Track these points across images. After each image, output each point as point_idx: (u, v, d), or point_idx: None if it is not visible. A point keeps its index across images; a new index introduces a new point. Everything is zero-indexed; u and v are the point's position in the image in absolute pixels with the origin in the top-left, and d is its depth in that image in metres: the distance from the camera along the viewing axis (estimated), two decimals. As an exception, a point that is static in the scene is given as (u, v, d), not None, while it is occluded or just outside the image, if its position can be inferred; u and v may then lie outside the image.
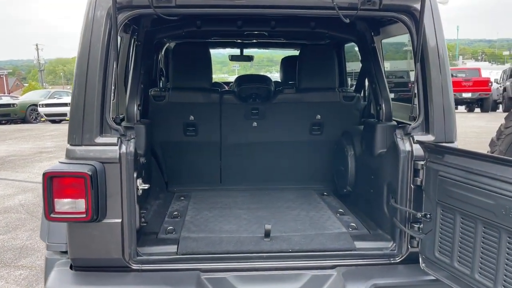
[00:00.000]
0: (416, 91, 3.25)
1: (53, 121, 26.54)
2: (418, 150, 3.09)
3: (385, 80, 3.92)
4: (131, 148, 3.00)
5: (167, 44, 6.03)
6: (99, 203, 2.87)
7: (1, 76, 67.19)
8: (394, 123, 3.75)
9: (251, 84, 4.84)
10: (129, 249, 2.99)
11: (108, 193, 2.94)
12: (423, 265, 3.03)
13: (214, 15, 3.63)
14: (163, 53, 6.25)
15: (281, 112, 4.72)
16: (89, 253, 3.01)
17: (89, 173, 2.79)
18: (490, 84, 26.75)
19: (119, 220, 2.95)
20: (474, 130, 17.15)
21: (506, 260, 2.34)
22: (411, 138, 3.15)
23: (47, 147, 15.88)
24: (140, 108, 3.69)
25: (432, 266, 2.94)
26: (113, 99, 4.54)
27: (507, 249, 2.34)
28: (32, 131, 21.25)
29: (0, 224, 7.49)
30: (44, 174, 2.83)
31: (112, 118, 3.07)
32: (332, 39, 5.27)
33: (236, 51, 6.89)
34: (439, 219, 2.85)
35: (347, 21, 3.00)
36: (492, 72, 41.48)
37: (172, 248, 3.17)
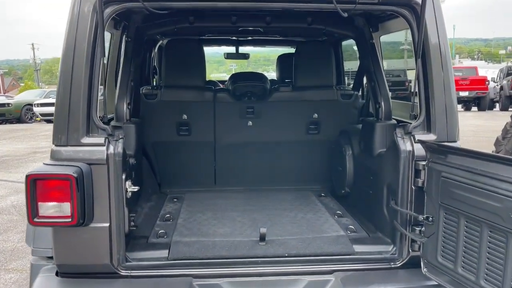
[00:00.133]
0: (417, 89, 3.12)
1: (48, 121, 26.28)
2: (419, 150, 2.97)
3: (384, 77, 3.79)
4: (119, 149, 2.87)
5: (161, 42, 5.89)
6: (85, 206, 2.74)
7: (-3, 76, 66.88)
8: (394, 121, 3.63)
9: (246, 82, 4.70)
10: (118, 255, 2.86)
11: (95, 196, 2.81)
12: (424, 269, 2.91)
13: (205, 8, 3.50)
14: (156, 50, 6.10)
15: (277, 111, 4.59)
16: (76, 259, 2.88)
17: (75, 175, 2.67)
18: (487, 82, 26.72)
19: (107, 224, 2.83)
20: (471, 129, 17.09)
21: (514, 266, 2.22)
22: (412, 137, 3.03)
23: (41, 147, 15.70)
24: (130, 106, 3.56)
25: (435, 271, 2.82)
26: (102, 98, 4.45)
27: (515, 255, 2.21)
28: (26, 131, 21.05)
29: (-9, 226, 7.34)
30: (27, 176, 2.69)
31: (100, 117, 2.94)
32: (329, 35, 5.13)
33: (231, 49, 6.75)
34: (442, 222, 2.73)
35: (345, 15, 2.87)
36: (488, 71, 41.53)
37: (163, 253, 3.04)
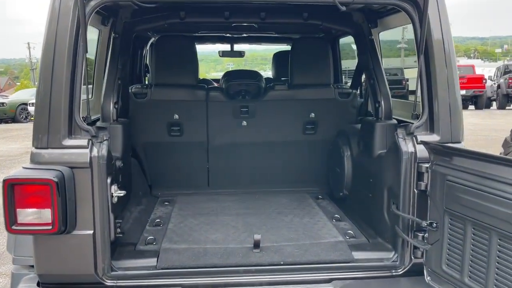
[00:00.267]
0: (419, 87, 2.96)
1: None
2: (422, 151, 2.82)
3: (384, 75, 3.63)
4: (104, 151, 2.70)
5: (153, 39, 5.70)
6: (67, 213, 2.59)
7: (-7, 75, 66.39)
8: (395, 121, 3.48)
9: (240, 80, 4.52)
10: (103, 264, 2.71)
11: (78, 201, 2.66)
12: (428, 278, 2.75)
13: (196, 2, 3.32)
14: (148, 48, 5.92)
15: (272, 110, 4.41)
16: (58, 268, 2.74)
17: (55, 179, 2.52)
18: (484, 81, 26.65)
19: (91, 232, 2.68)
20: (469, 128, 16.98)
21: (526, 278, 2.06)
22: (414, 138, 2.88)
23: (35, 147, 15.46)
24: (116, 106, 3.38)
25: (439, 280, 2.66)
26: (91, 97, 4.27)
27: (527, 265, 2.05)
28: (21, 130, 20.79)
29: (-21, 229, 7.14)
30: (4, 181, 2.54)
31: (83, 117, 2.78)
32: (327, 31, 4.97)
33: (226, 47, 6.57)
34: (447, 228, 2.57)
35: (343, 8, 2.71)
36: (484, 70, 41.51)
37: (151, 261, 2.88)
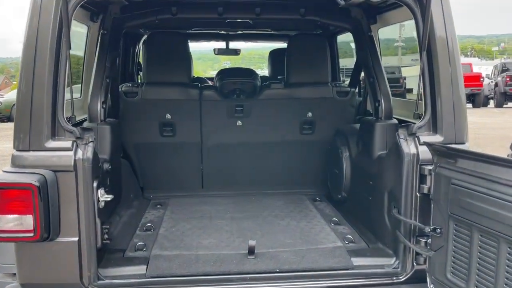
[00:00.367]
0: (422, 85, 2.83)
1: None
2: (424, 152, 2.70)
3: (384, 72, 3.49)
4: (89, 154, 2.57)
5: (145, 36, 5.54)
6: (50, 219, 2.48)
7: (-11, 74, 66.06)
8: (395, 121, 3.35)
9: (234, 79, 4.37)
10: (89, 272, 2.59)
11: (61, 207, 2.55)
12: (431, 286, 2.63)
13: None
14: (141, 45, 5.76)
15: (268, 110, 4.27)
16: (41, 277, 2.63)
17: (37, 184, 2.40)
18: (481, 79, 26.57)
19: (76, 239, 2.57)
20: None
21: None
22: (416, 139, 2.77)
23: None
24: (104, 105, 3.23)
25: (443, 289, 2.52)
26: (80, 96, 4.12)
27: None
28: (15, 130, 20.54)
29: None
30: None
31: (67, 118, 2.64)
32: (324, 28, 4.82)
33: (222, 45, 6.41)
34: (452, 235, 2.44)
35: (342, 3, 2.58)
36: (481, 68, 41.51)
37: (141, 269, 2.75)
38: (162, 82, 4.09)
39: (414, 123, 2.83)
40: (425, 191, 2.69)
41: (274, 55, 5.98)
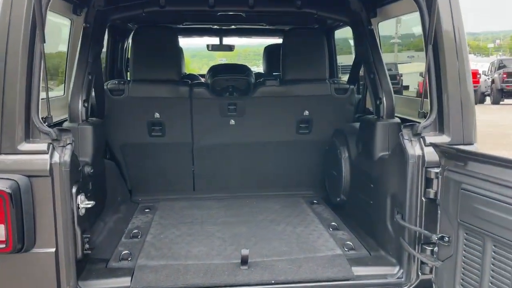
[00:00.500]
0: (427, 81, 2.63)
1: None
2: (430, 154, 2.52)
3: (386, 68, 3.30)
4: (66, 157, 2.36)
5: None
6: (24, 228, 2.30)
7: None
8: (398, 120, 3.16)
9: (227, 75, 4.15)
10: (67, 286, 2.42)
11: (37, 215, 2.36)
12: (438, 298, 2.43)
13: None
14: (130, 41, 5.53)
15: (262, 108, 4.06)
16: None
17: (9, 190, 2.22)
18: (478, 76, 26.46)
19: (53, 250, 2.39)
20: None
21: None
22: (421, 140, 2.58)
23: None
24: (86, 104, 3.02)
25: (451, 302, 2.33)
26: (63, 95, 3.90)
27: None
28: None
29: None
30: None
31: (43, 118, 2.44)
32: (322, 22, 4.62)
33: (215, 41, 6.19)
34: (462, 244, 2.25)
35: None
36: (477, 65, 41.48)
37: (125, 281, 2.57)
38: (150, 79, 3.87)
39: (419, 122, 2.64)
40: (431, 195, 2.52)
41: (269, 51, 5.76)
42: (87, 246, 2.59)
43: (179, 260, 2.77)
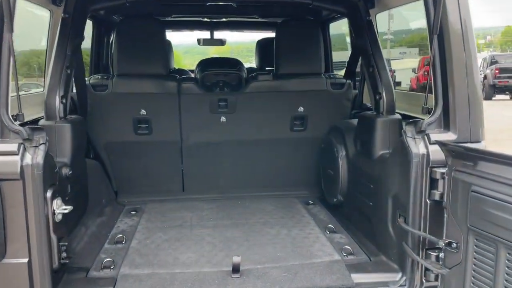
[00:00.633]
0: (432, 74, 2.45)
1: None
2: (436, 153, 2.35)
3: (385, 61, 3.11)
4: (39, 158, 2.16)
5: None
6: None
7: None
8: (399, 116, 2.98)
9: (217, 69, 3.94)
10: None
11: (7, 222, 2.16)
12: (445, 308, 2.25)
13: None
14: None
15: (255, 104, 3.86)
16: None
17: None
18: (471, 72, 26.42)
19: (25, 260, 2.20)
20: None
21: None
22: (426, 137, 2.40)
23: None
24: (64, 100, 2.80)
25: (460, 312, 2.16)
26: (43, 90, 3.66)
27: None
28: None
29: None
30: None
31: (13, 116, 2.22)
32: (317, 13, 4.41)
33: (206, 35, 5.96)
34: (472, 251, 2.07)
35: None
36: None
37: None
38: (135, 73, 3.65)
39: (423, 119, 2.46)
40: (437, 197, 2.35)
41: (262, 45, 5.54)
42: (64, 254, 2.39)
43: (166, 268, 2.58)
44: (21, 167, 2.12)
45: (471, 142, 2.41)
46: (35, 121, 2.81)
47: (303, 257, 2.72)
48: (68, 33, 2.94)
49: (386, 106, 2.98)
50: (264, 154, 3.98)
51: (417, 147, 2.39)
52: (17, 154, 2.13)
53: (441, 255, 2.31)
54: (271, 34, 5.82)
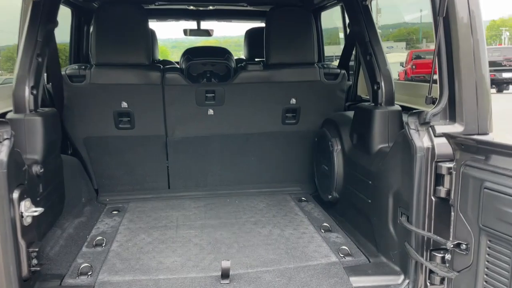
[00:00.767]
0: (436, 62, 2.26)
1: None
2: (442, 146, 2.17)
3: (383, 49, 2.92)
4: (3, 155, 1.95)
5: None
6: None
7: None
8: (398, 107, 2.79)
9: (203, 59, 3.71)
10: None
11: None
12: (452, 314, 2.08)
13: None
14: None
15: (244, 96, 3.65)
16: None
17: None
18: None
19: None
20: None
21: None
22: (431, 129, 2.21)
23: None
24: (35, 91, 2.56)
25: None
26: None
27: None
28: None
29: None
30: None
31: None
32: (308, 0, 4.20)
33: (192, 25, 5.72)
34: (484, 253, 1.89)
35: None
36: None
37: None
38: (115, 63, 3.40)
39: (424, 111, 2.27)
40: (443, 194, 2.16)
41: (251, 34, 5.31)
42: (35, 261, 2.16)
43: (149, 274, 2.36)
44: None
45: (478, 134, 2.23)
46: (3, 115, 2.56)
47: (298, 259, 2.53)
48: (39, 18, 2.69)
49: (385, 97, 2.80)
50: (255, 148, 3.78)
51: (421, 140, 2.21)
52: None
53: (448, 256, 2.14)
54: (261, 25, 5.60)
